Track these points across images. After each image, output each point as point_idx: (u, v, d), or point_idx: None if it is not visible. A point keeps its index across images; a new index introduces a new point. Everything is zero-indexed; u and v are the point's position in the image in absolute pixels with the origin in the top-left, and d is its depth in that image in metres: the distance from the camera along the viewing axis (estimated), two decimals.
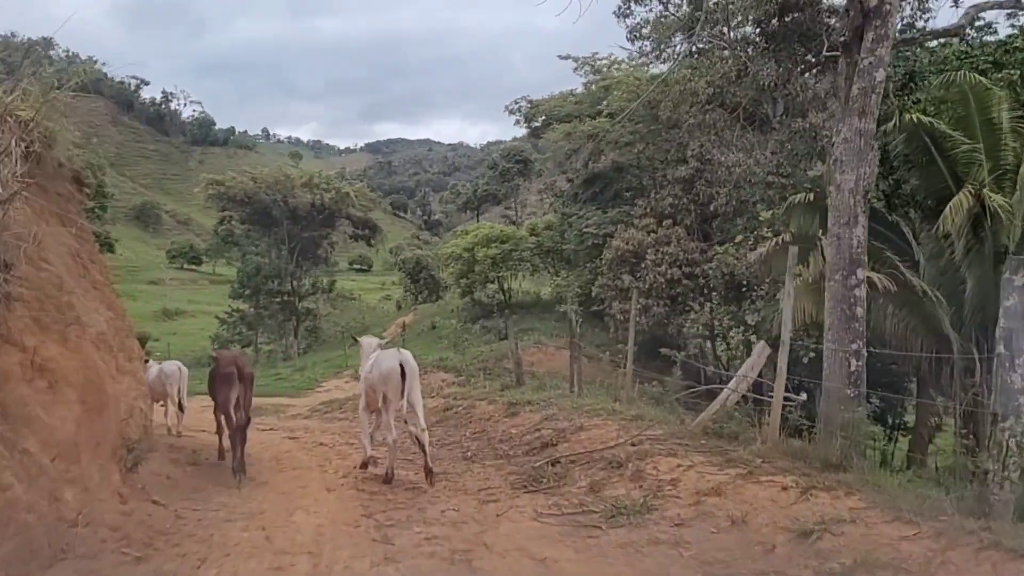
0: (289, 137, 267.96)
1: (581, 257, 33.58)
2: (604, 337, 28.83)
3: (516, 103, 41.51)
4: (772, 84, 15.85)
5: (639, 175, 31.90)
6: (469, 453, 10.00)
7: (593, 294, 28.74)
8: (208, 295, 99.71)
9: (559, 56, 39.33)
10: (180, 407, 11.20)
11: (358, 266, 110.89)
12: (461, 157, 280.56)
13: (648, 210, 28.82)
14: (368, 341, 9.49)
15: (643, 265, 26.98)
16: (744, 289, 21.04)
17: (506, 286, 38.13)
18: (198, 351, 48.59)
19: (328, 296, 51.98)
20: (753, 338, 18.34)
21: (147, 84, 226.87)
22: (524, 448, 9.52)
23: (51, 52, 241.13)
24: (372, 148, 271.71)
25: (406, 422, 8.43)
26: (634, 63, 32.54)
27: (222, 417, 8.88)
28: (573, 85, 42.98)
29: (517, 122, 41.82)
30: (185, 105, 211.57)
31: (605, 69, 37.85)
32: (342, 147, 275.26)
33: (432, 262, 54.75)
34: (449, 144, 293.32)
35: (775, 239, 15.97)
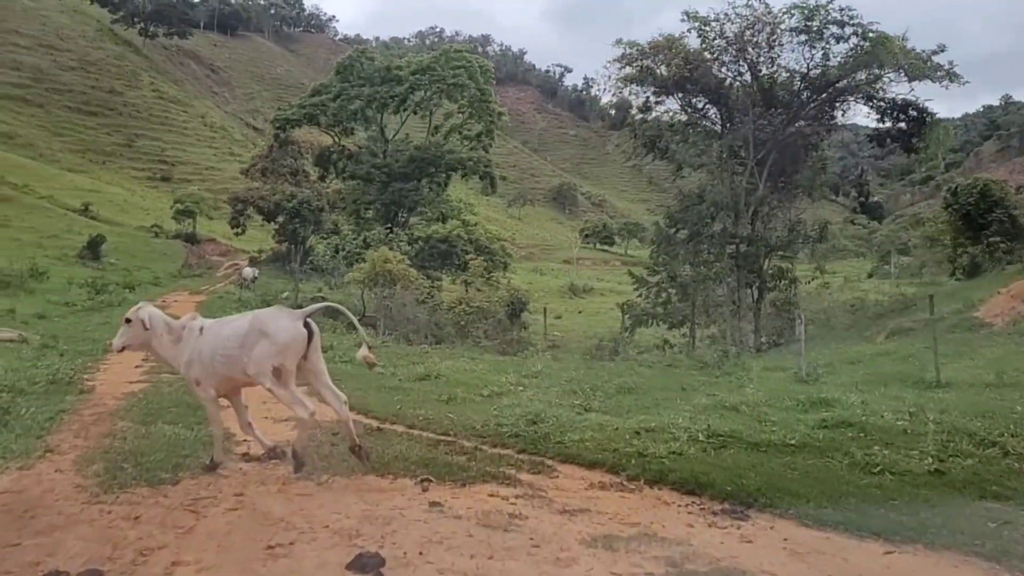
0: None
1: None
2: None
3: None
4: None
5: None
6: None
7: None
8: (619, 275, 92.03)
9: None
10: None
11: None
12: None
13: None
14: None
15: None
16: None
17: None
18: (603, 332, 32.94)
19: (815, 248, 29.85)
20: None
21: (570, 71, 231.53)
22: None
23: (488, 48, 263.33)
24: None
25: None
26: None
27: None
28: None
29: None
30: (604, 90, 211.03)
31: None
32: None
33: (1010, 196, 29.20)
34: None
35: None
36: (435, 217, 39.34)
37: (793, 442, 7.59)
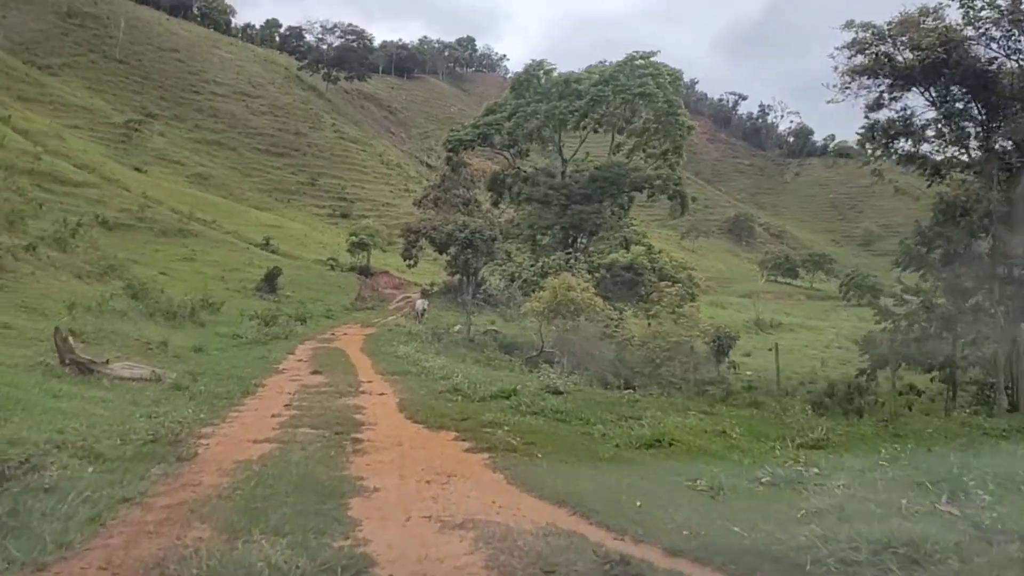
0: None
1: None
2: None
3: None
4: None
5: None
6: None
7: None
8: (805, 309, 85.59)
9: None
10: None
11: None
12: None
13: None
14: None
15: None
16: None
17: None
18: (802, 372, 31.96)
19: None
20: None
21: (744, 99, 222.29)
22: None
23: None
24: None
25: None
26: None
27: None
28: None
29: None
30: (781, 117, 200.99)
31: None
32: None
33: None
34: None
35: None
36: (616, 243, 35.53)
37: None
